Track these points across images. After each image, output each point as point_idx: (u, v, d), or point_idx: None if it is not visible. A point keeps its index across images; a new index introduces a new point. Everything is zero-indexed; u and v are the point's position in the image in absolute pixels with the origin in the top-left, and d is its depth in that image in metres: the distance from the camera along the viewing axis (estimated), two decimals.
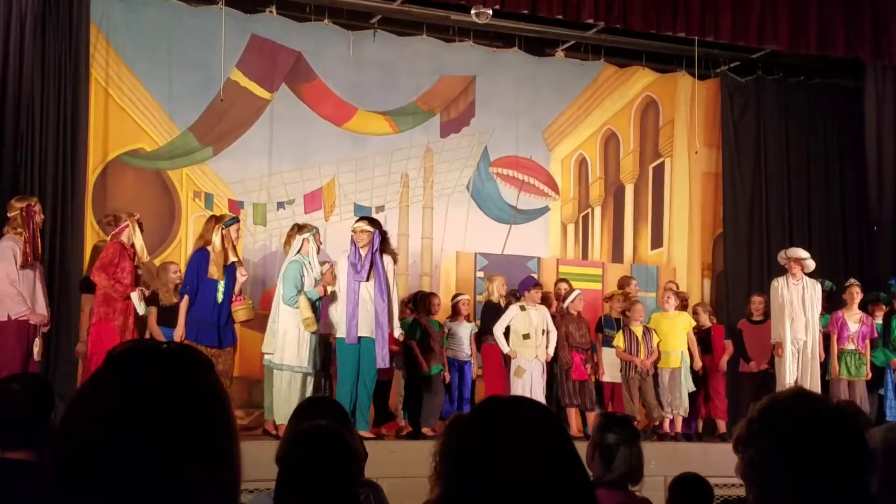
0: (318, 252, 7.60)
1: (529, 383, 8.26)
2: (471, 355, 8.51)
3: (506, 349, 8.32)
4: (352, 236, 7.47)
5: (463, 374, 8.46)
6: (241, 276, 7.28)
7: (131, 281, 6.90)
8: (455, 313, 8.65)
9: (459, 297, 8.72)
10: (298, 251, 7.46)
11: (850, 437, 1.73)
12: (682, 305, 9.12)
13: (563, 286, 9.20)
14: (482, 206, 10.48)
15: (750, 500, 1.77)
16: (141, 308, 6.93)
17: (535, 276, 9.81)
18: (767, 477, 1.73)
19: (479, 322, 8.81)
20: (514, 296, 8.83)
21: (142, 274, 7.74)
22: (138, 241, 7.00)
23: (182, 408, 1.13)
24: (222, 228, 7.10)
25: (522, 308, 8.41)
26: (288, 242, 7.68)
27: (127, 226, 6.99)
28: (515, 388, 8.21)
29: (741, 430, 1.82)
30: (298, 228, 7.62)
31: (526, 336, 8.32)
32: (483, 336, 8.60)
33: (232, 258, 7.17)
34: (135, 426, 1.10)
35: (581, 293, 8.98)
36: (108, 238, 7.16)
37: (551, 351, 8.45)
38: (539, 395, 8.18)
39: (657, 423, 8.60)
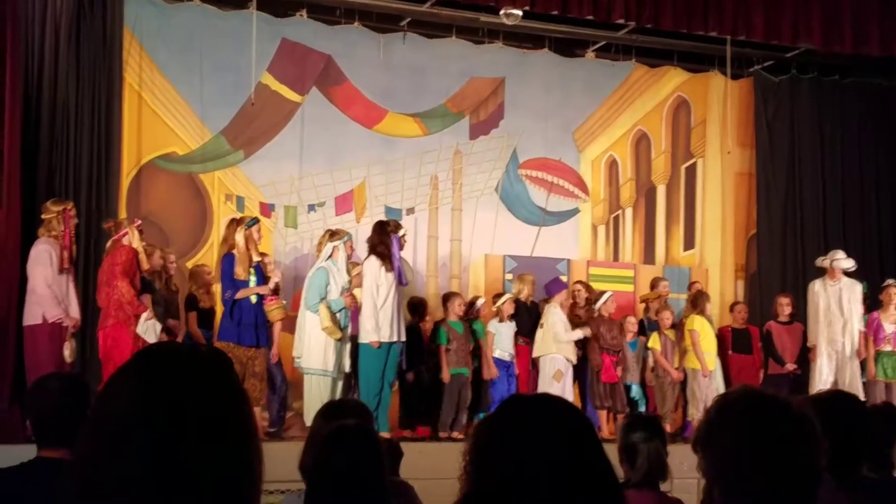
0: (348, 259, 7.59)
1: (563, 386, 8.22)
2: (514, 355, 8.45)
3: (581, 334, 8.33)
4: (401, 240, 7.50)
5: (511, 375, 8.36)
6: (275, 277, 7.34)
7: (136, 290, 6.92)
8: (499, 314, 8.53)
9: (504, 298, 8.59)
10: (329, 257, 7.47)
11: (804, 433, 1.77)
12: None
13: (578, 287, 9.15)
14: (511, 209, 10.46)
15: (714, 498, 1.80)
16: (144, 330, 6.76)
17: (565, 278, 9.71)
18: (731, 478, 1.76)
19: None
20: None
21: (153, 280, 7.78)
22: (138, 248, 6.97)
23: (204, 407, 1.15)
24: (245, 229, 7.16)
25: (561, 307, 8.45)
26: (319, 247, 7.70)
27: (126, 233, 6.99)
28: (553, 391, 8.17)
29: (700, 431, 1.86)
30: (331, 234, 7.61)
31: None
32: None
33: (256, 258, 7.24)
34: (156, 425, 1.12)
35: (613, 294, 8.93)
36: (111, 243, 7.16)
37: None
38: (570, 396, 8.15)
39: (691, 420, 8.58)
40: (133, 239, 6.96)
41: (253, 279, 7.22)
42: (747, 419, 1.78)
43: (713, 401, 1.90)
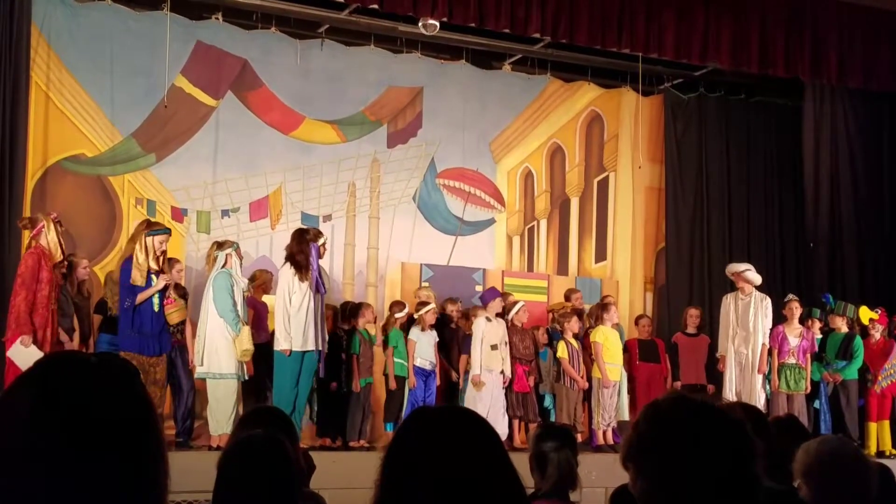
0: (241, 266, 7.59)
1: (489, 397, 8.20)
2: (435, 364, 8.42)
3: (476, 369, 8.22)
4: (320, 249, 7.44)
5: (428, 385, 8.32)
6: (162, 281, 7.11)
7: (49, 291, 6.66)
8: (420, 323, 8.42)
9: (427, 307, 8.53)
10: (223, 266, 7.41)
11: (739, 437, 1.68)
12: None
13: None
14: (428, 217, 10.49)
15: None
16: (17, 353, 6.49)
17: (481, 287, 9.78)
18: (666, 490, 1.66)
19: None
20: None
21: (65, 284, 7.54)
22: (52, 240, 6.75)
23: (107, 414, 1.12)
24: (146, 237, 7.00)
25: (488, 319, 8.40)
26: (209, 260, 7.62)
27: (42, 226, 6.77)
28: (472, 400, 8.16)
29: (630, 443, 1.73)
30: (219, 245, 7.59)
31: (494, 347, 8.29)
32: None
33: (154, 268, 7.05)
34: (54, 431, 1.09)
35: (525, 305, 9.00)
36: (29, 241, 6.94)
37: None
38: (500, 409, 8.18)
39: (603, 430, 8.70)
40: (49, 233, 6.73)
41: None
42: (681, 426, 1.67)
43: (641, 411, 1.76)
